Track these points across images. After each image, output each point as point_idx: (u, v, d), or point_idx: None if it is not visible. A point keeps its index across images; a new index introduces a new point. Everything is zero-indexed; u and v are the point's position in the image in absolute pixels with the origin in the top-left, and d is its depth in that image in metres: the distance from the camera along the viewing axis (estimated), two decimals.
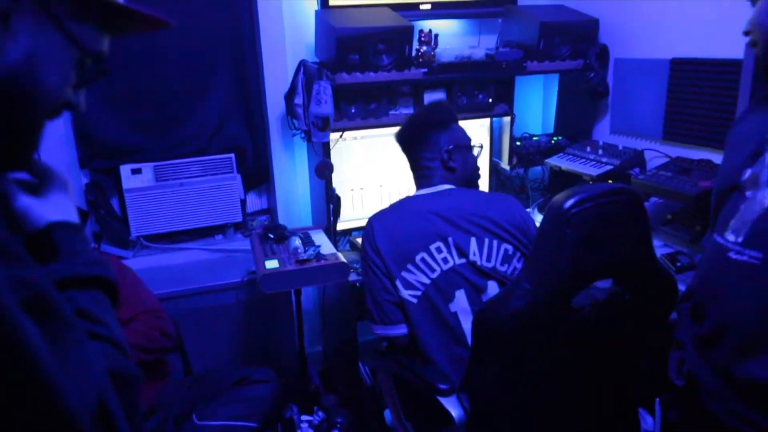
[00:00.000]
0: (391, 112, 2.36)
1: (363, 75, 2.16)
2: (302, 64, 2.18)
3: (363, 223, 1.75)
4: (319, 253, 1.94)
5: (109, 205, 2.42)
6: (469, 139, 1.80)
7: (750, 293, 1.12)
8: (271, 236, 2.11)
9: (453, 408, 1.48)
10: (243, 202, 2.59)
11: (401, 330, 1.61)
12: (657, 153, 2.28)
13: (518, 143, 2.63)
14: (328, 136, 2.20)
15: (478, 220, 1.60)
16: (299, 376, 2.25)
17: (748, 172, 1.16)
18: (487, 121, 2.57)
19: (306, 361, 2.27)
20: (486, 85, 2.47)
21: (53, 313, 0.54)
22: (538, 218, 2.16)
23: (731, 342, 1.15)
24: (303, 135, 2.30)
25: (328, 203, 2.29)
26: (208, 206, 2.49)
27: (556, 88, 2.78)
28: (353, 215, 2.42)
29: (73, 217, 0.76)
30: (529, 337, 1.29)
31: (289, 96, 2.24)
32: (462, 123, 2.48)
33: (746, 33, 1.19)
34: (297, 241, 1.99)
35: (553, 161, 2.50)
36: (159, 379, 1.78)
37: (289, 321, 2.39)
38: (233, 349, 2.35)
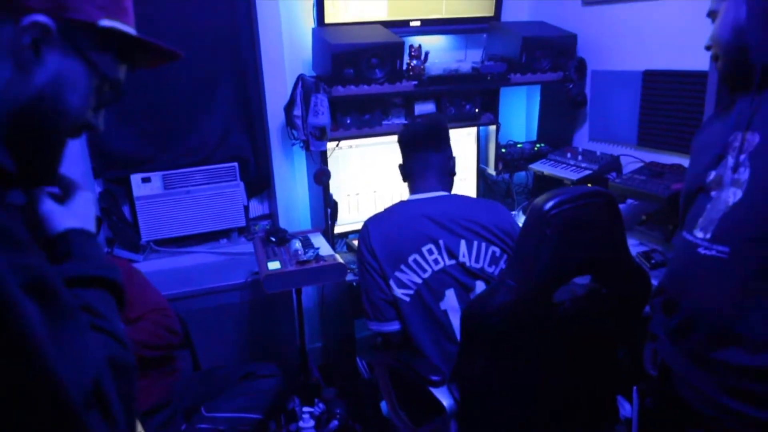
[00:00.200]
0: (384, 122, 2.37)
1: (357, 88, 2.17)
2: (300, 78, 2.19)
3: (359, 226, 1.76)
4: (318, 254, 1.95)
5: (121, 212, 2.42)
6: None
7: (719, 285, 1.13)
8: (273, 239, 2.12)
9: (444, 398, 1.48)
10: (246, 208, 2.59)
11: (394, 326, 1.62)
12: (632, 158, 2.29)
13: (503, 150, 2.63)
14: (325, 145, 2.21)
15: (468, 224, 1.61)
16: (300, 371, 2.24)
17: (712, 174, 1.18)
18: (474, 129, 2.58)
19: (307, 357, 2.27)
20: (473, 96, 2.48)
21: (54, 298, 0.55)
22: (522, 220, 2.17)
23: (702, 332, 1.16)
24: (302, 144, 2.30)
25: (326, 208, 2.29)
26: (213, 212, 2.49)
27: (538, 99, 2.79)
28: (349, 219, 2.42)
29: (90, 226, 0.79)
30: (514, 330, 1.30)
31: (289, 108, 2.24)
32: (450, 132, 2.52)
33: (707, 48, 1.21)
34: (297, 244, 2.00)
35: (537, 167, 2.51)
36: (169, 375, 1.78)
37: (290, 319, 2.38)
38: (239, 346, 2.34)
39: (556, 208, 1.21)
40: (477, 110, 2.51)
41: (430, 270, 1.57)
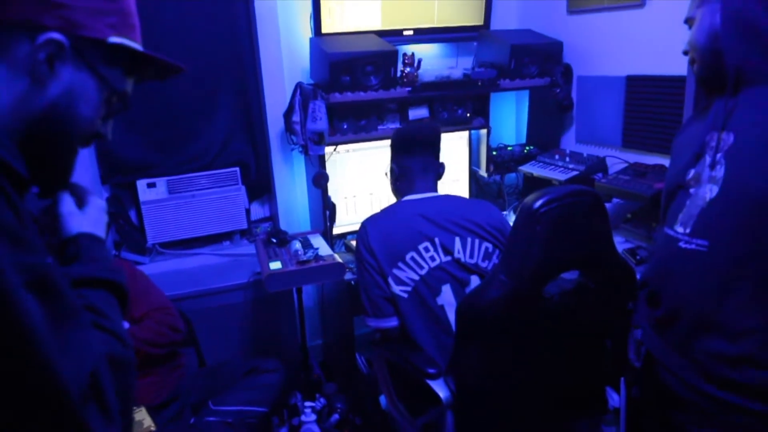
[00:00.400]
0: (380, 127, 2.38)
1: (353, 94, 2.18)
2: (299, 85, 2.20)
3: (357, 227, 1.76)
4: (317, 254, 1.96)
5: (128, 216, 2.43)
6: None
7: (699, 277, 1.15)
8: (274, 241, 2.12)
9: (440, 390, 1.49)
10: (248, 211, 2.60)
11: (392, 322, 1.63)
12: (617, 159, 2.31)
13: (494, 153, 2.65)
14: (323, 150, 2.22)
15: (462, 222, 1.63)
16: (302, 367, 2.25)
17: (691, 172, 1.20)
18: (465, 133, 2.60)
19: (308, 353, 2.27)
20: (464, 101, 2.50)
21: (57, 296, 0.56)
22: (513, 220, 2.19)
23: (685, 322, 1.18)
24: (301, 149, 2.31)
25: (325, 210, 2.30)
26: (216, 215, 2.50)
27: (527, 103, 2.80)
28: (347, 220, 2.43)
29: (100, 232, 0.81)
30: (506, 323, 1.31)
31: (288, 114, 2.26)
32: (443, 135, 2.53)
33: (685, 53, 1.23)
34: (297, 245, 2.01)
35: (526, 168, 2.52)
36: (174, 371, 1.79)
37: (291, 317, 2.39)
38: (242, 344, 2.34)
39: (545, 206, 1.23)
40: (468, 115, 2.52)
41: (426, 267, 1.59)
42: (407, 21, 2.46)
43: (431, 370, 1.48)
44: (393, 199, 1.85)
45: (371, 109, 2.34)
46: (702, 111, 1.25)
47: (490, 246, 1.64)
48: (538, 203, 1.23)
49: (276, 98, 2.39)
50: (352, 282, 2.07)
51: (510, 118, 2.99)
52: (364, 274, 1.64)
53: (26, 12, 0.63)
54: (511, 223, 1.34)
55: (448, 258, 1.60)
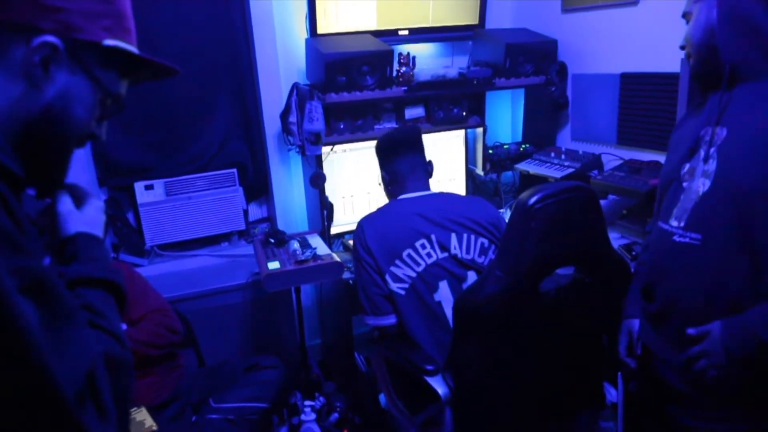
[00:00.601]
0: (376, 127, 2.39)
1: (350, 94, 2.19)
2: (295, 86, 2.21)
3: (354, 226, 1.76)
4: (315, 254, 1.96)
5: (126, 218, 2.43)
6: None
7: (693, 271, 1.16)
8: (272, 241, 2.13)
9: (439, 386, 1.49)
10: (245, 212, 2.60)
11: (390, 320, 1.63)
12: (612, 156, 2.32)
13: (491, 151, 2.65)
14: (320, 150, 2.23)
15: (457, 218, 1.64)
16: (301, 366, 2.26)
17: (686, 166, 1.21)
18: (461, 132, 2.60)
19: (307, 353, 2.28)
20: (460, 100, 2.50)
21: (52, 298, 0.57)
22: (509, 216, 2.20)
23: (680, 313, 1.20)
24: (297, 149, 2.31)
25: (322, 210, 2.31)
26: (214, 217, 2.50)
27: (523, 101, 2.81)
28: (345, 220, 2.44)
29: (98, 232, 0.82)
30: (503, 318, 1.31)
31: (284, 115, 2.26)
32: (439, 134, 2.54)
33: (682, 47, 1.24)
34: (295, 244, 2.01)
35: (522, 166, 2.53)
36: (173, 371, 1.80)
37: (290, 317, 2.39)
38: (241, 344, 2.35)
39: (540, 202, 1.24)
40: (464, 113, 2.53)
41: (423, 264, 1.60)
42: (402, 21, 2.47)
43: (429, 367, 1.48)
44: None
45: (367, 108, 2.35)
46: (698, 106, 1.26)
47: (485, 241, 1.65)
48: (533, 199, 1.24)
49: (272, 99, 2.40)
50: (351, 281, 2.07)
51: (506, 116, 3.00)
52: (362, 272, 1.65)
53: (21, 15, 0.64)
54: (507, 220, 1.35)
55: (445, 254, 1.61)
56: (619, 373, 1.79)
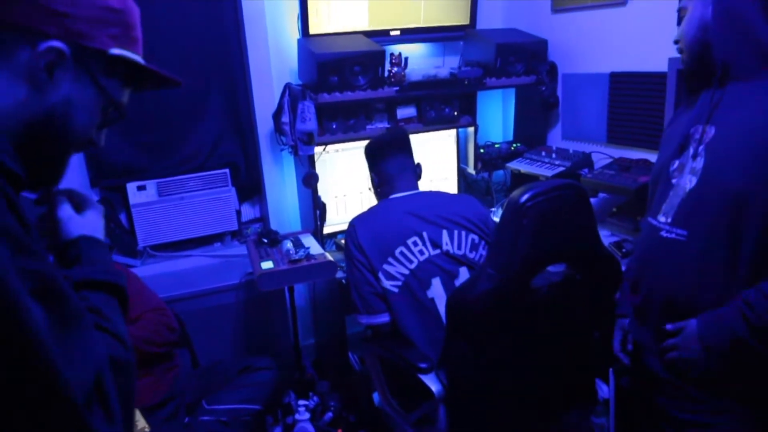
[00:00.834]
0: (369, 127, 2.39)
1: (342, 94, 2.19)
2: (287, 86, 2.20)
3: (347, 226, 1.77)
4: (308, 253, 1.97)
5: (118, 219, 2.42)
6: None
7: (676, 265, 1.18)
8: (265, 241, 2.13)
9: (432, 384, 1.50)
10: (238, 212, 2.60)
11: (384, 318, 1.63)
12: (602, 155, 2.33)
13: (482, 150, 2.66)
14: (312, 150, 2.23)
15: (448, 215, 1.65)
16: (295, 366, 2.25)
17: (675, 163, 1.22)
18: (453, 131, 2.61)
19: (300, 353, 2.28)
20: (451, 100, 2.51)
21: (61, 301, 0.57)
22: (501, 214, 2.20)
23: (662, 307, 1.22)
24: (290, 149, 2.31)
25: (315, 209, 2.31)
26: (206, 217, 2.49)
27: (513, 101, 2.82)
28: (338, 219, 2.44)
29: (100, 235, 0.82)
30: (495, 315, 1.32)
31: (277, 115, 2.26)
32: (431, 134, 2.55)
33: (676, 42, 1.25)
34: (289, 244, 2.01)
35: (513, 165, 2.54)
36: (170, 371, 1.79)
37: (284, 317, 2.39)
38: (235, 345, 2.34)
39: (532, 200, 1.24)
40: (456, 113, 2.54)
41: (416, 261, 1.60)
42: (394, 21, 2.48)
43: (423, 365, 1.49)
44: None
45: (360, 108, 2.35)
46: (691, 104, 1.27)
47: (476, 237, 1.66)
48: (525, 197, 1.24)
49: (265, 99, 2.40)
50: (344, 281, 2.07)
51: (497, 116, 3.01)
52: (354, 271, 1.65)
53: (29, 19, 0.64)
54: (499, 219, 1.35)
55: (437, 251, 1.62)
56: (611, 369, 1.80)
